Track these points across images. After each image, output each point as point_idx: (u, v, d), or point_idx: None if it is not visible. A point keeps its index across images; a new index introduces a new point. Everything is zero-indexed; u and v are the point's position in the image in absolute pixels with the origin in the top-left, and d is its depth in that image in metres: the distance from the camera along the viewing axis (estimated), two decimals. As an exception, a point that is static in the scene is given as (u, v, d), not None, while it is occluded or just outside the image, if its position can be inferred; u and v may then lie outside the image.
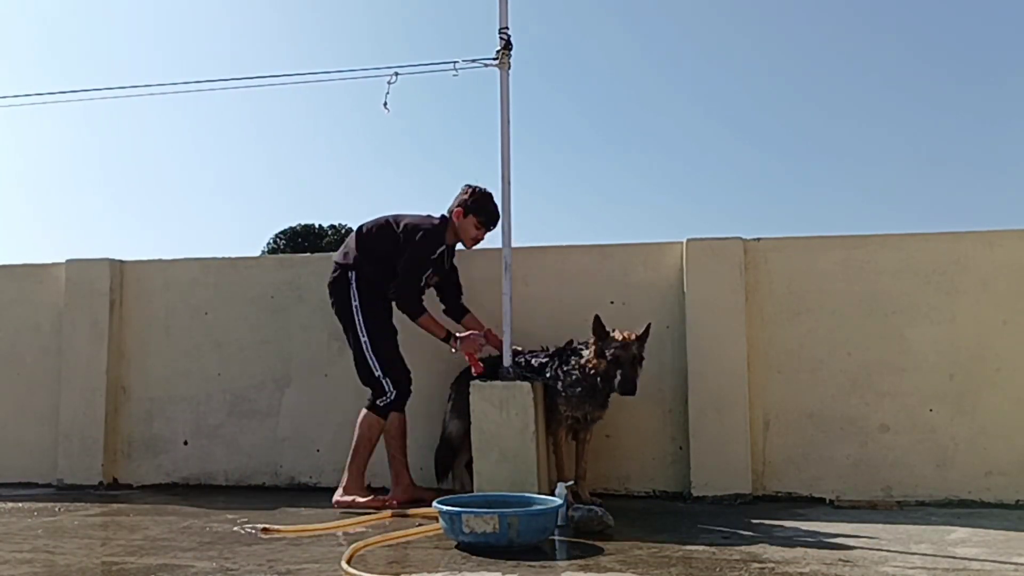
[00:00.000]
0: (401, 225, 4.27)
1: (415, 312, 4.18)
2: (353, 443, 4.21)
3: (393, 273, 4.18)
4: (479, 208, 4.25)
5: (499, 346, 4.08)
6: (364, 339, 4.18)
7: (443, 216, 4.32)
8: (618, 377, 3.82)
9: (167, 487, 5.00)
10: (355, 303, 4.21)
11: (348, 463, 4.21)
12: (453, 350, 4.18)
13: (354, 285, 4.22)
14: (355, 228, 4.40)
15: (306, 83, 5.05)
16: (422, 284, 4.24)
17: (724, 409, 4.39)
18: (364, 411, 4.21)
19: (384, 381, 4.18)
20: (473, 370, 4.11)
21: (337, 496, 4.18)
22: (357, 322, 4.20)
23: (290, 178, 56.39)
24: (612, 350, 3.84)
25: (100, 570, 2.92)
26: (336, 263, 4.33)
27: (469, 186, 4.31)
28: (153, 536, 3.48)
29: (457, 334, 4.18)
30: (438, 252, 4.24)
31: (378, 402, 4.19)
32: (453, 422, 4.38)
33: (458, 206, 4.28)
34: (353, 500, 4.12)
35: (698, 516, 3.87)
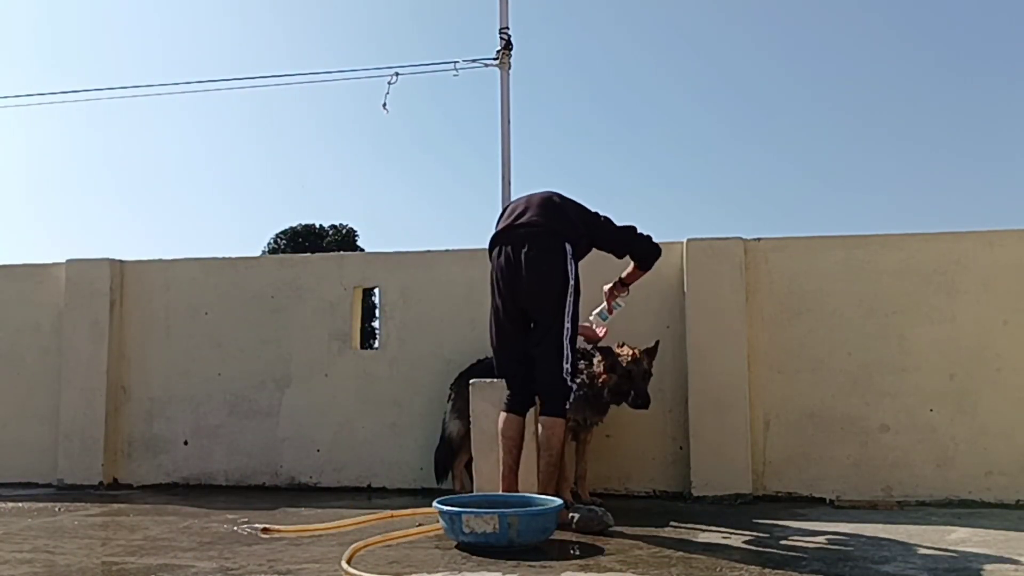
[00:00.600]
0: (579, 206, 3.82)
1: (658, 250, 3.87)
2: (547, 461, 3.48)
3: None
4: None
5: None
6: (568, 326, 3.50)
7: None
8: (632, 392, 3.85)
9: (167, 487, 5.00)
10: (572, 282, 3.52)
11: (545, 484, 3.49)
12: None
13: (571, 259, 3.55)
14: (545, 196, 3.74)
15: (306, 83, 5.08)
16: None
17: (724, 409, 4.39)
18: (548, 419, 3.49)
19: (569, 378, 3.52)
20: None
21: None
22: (568, 304, 3.50)
23: (290, 178, 56.37)
24: (625, 365, 3.86)
25: (100, 570, 2.92)
26: (544, 224, 3.59)
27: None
28: (153, 536, 3.48)
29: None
30: None
31: (567, 405, 3.53)
32: (453, 422, 4.39)
33: None
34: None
35: (698, 516, 3.87)
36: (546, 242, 3.55)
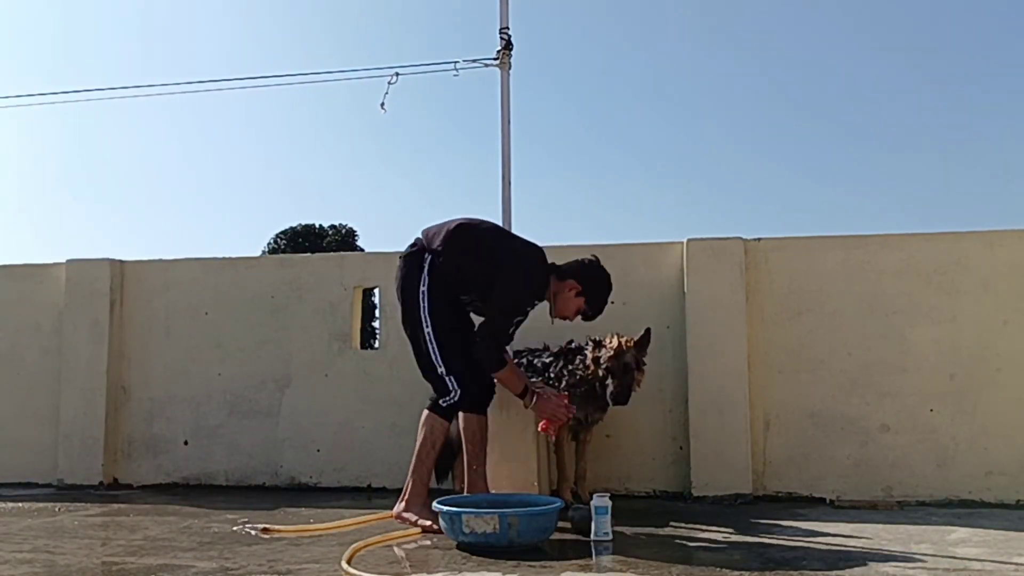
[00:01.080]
0: (502, 252, 3.70)
1: (495, 366, 3.61)
2: (416, 452, 3.68)
3: (465, 288, 3.69)
4: (592, 294, 3.72)
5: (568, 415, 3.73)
6: (428, 329, 3.62)
7: (549, 265, 3.74)
8: (610, 387, 3.77)
9: (167, 487, 5.00)
10: (423, 288, 3.64)
11: (410, 468, 3.69)
12: (527, 407, 3.70)
13: (426, 269, 3.66)
14: (455, 221, 3.75)
15: (306, 83, 5.08)
16: (511, 332, 3.66)
17: (724, 409, 4.39)
18: (429, 414, 3.69)
19: (448, 379, 3.61)
20: (540, 428, 3.73)
21: (398, 509, 3.67)
22: (422, 307, 3.63)
23: (290, 178, 56.36)
24: (605, 359, 3.80)
25: (100, 570, 2.92)
26: (417, 239, 3.77)
27: (594, 262, 3.75)
28: (153, 536, 3.48)
29: (536, 390, 3.69)
30: (534, 305, 3.73)
31: (440, 402, 3.66)
32: (454, 423, 4.37)
33: (573, 278, 3.70)
34: (416, 521, 3.53)
35: (698, 516, 3.87)
36: (405, 263, 3.74)
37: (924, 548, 3.14)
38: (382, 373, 4.89)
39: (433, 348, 3.61)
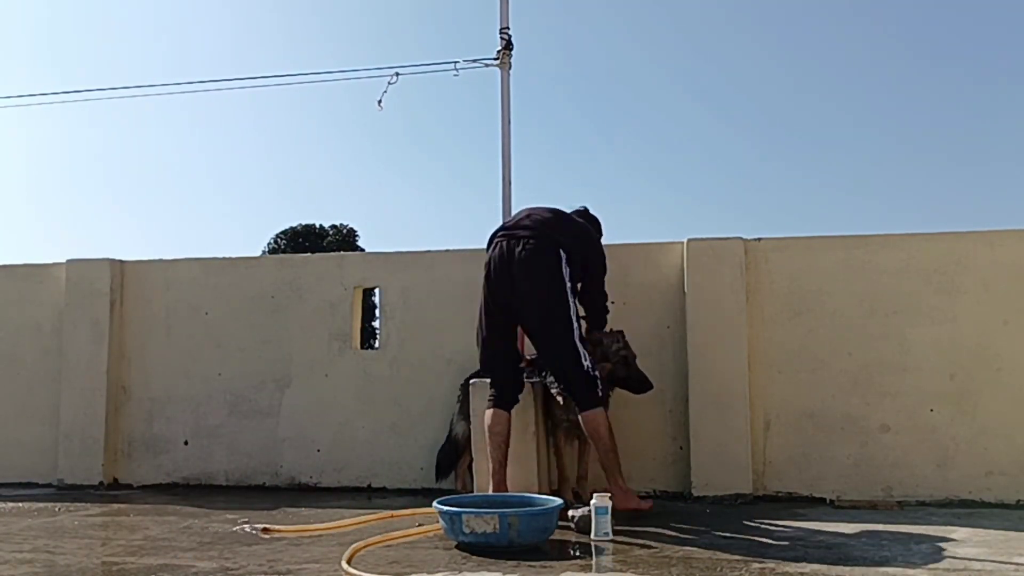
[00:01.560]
0: (577, 225, 4.02)
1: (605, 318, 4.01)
2: (603, 451, 3.72)
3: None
4: (600, 234, 4.22)
5: None
6: (575, 324, 3.69)
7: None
8: (633, 376, 3.89)
9: (167, 487, 5.00)
10: (569, 284, 3.70)
11: (611, 471, 3.73)
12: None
13: (565, 265, 3.73)
14: (547, 209, 3.97)
15: (306, 83, 5.07)
16: None
17: (725, 409, 4.39)
18: (588, 414, 3.68)
19: (591, 371, 3.69)
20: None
21: (623, 504, 3.63)
22: (570, 304, 3.69)
23: (290, 178, 56.32)
24: (616, 349, 3.86)
25: (100, 570, 2.92)
26: (540, 229, 3.80)
27: (587, 211, 4.22)
28: (153, 536, 3.48)
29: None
30: None
31: (602, 394, 3.71)
32: (460, 423, 4.38)
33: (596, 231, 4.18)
34: (639, 505, 3.75)
35: (698, 516, 3.87)
36: (540, 244, 3.72)
37: (924, 548, 3.15)
38: (382, 373, 4.89)
39: (579, 343, 3.68)
